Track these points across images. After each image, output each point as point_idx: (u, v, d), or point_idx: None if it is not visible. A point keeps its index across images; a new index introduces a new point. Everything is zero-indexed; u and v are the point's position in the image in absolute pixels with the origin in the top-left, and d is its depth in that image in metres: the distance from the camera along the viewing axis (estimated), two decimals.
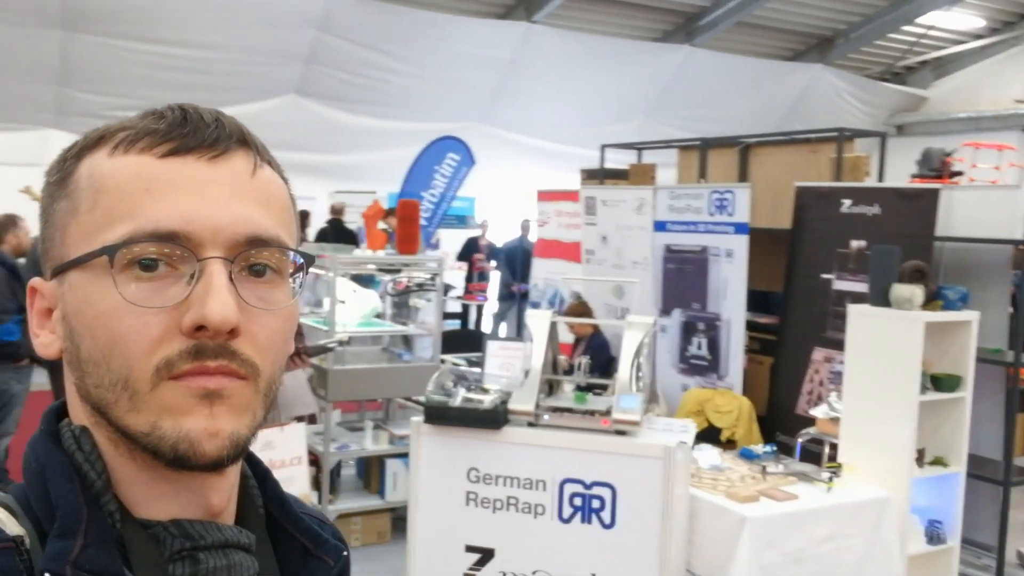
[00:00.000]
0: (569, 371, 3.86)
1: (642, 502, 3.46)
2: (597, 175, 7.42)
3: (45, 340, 0.71)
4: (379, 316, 5.25)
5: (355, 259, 4.97)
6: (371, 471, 5.32)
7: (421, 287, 5.14)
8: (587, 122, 13.05)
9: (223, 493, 0.72)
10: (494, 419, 3.55)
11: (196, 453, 0.65)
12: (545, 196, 7.79)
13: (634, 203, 6.41)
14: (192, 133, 0.69)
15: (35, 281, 0.73)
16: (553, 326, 3.81)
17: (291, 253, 0.71)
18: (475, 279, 11.63)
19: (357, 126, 12.55)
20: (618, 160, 8.29)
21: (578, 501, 3.53)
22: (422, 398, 3.83)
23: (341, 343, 4.10)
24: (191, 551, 0.68)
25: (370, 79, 12.16)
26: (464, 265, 12.09)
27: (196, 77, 11.48)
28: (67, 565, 0.63)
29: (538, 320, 3.80)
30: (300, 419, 4.24)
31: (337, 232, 9.40)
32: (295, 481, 3.92)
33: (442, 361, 5.43)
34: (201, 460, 0.65)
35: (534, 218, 8.45)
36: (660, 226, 6.23)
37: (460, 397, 3.64)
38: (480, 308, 11.77)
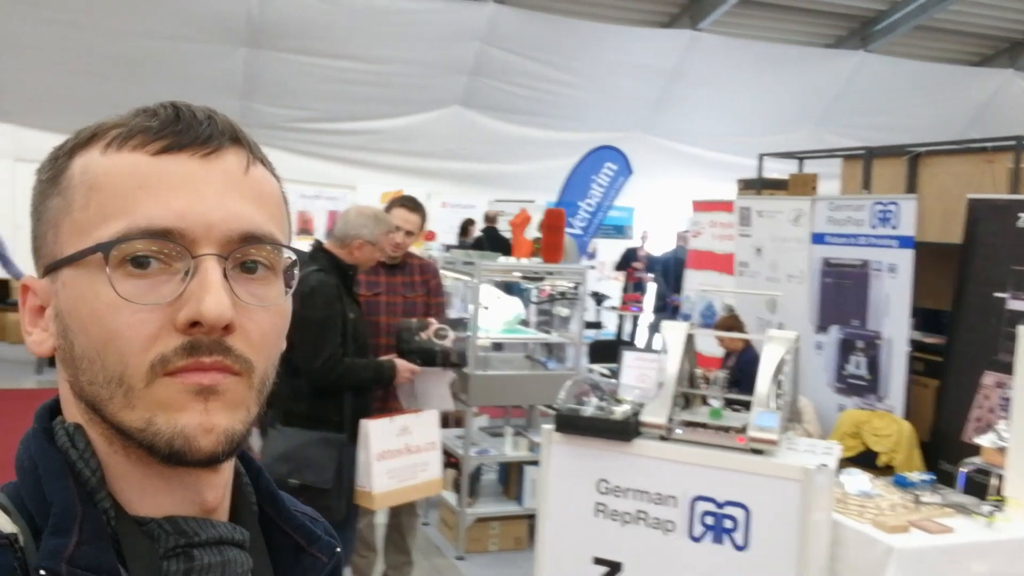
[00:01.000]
0: (707, 385, 3.75)
1: (778, 525, 3.31)
2: (754, 185, 7.19)
3: (38, 338, 0.72)
4: (523, 323, 5.29)
5: (498, 266, 5.03)
6: (510, 477, 5.35)
7: (564, 296, 5.14)
8: (752, 131, 12.70)
9: (217, 490, 0.73)
10: (625, 431, 3.49)
11: (191, 449, 0.65)
12: (700, 206, 7.63)
13: (791, 214, 6.17)
14: (185, 130, 0.69)
15: (27, 278, 0.73)
16: (690, 338, 3.71)
17: (284, 250, 0.72)
18: (631, 290, 11.52)
19: (518, 136, 12.73)
20: (782, 170, 8.02)
21: (710, 520, 3.41)
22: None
23: (445, 346, 4.12)
24: (185, 548, 0.69)
25: (532, 90, 12.31)
26: (621, 275, 12.01)
27: (367, 90, 11.98)
28: (62, 562, 0.63)
29: (674, 331, 3.71)
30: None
31: (492, 240, 9.55)
32: (429, 466, 3.99)
33: (589, 371, 5.40)
34: (196, 456, 0.66)
35: (688, 229, 8.28)
36: (818, 238, 5.96)
37: (592, 407, 3.60)
38: (636, 319, 11.65)
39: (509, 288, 5.68)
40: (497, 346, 6.14)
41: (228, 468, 0.74)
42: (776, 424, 3.36)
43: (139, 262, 0.65)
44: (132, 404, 0.65)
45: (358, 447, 3.79)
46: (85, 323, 0.66)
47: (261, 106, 12.07)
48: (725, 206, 7.14)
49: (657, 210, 13.99)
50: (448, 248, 9.76)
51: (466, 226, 11.12)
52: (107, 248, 0.65)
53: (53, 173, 0.71)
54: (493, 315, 5.01)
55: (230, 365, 0.67)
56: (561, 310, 5.31)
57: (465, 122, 12.64)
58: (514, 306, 5.16)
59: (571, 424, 3.58)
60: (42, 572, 0.62)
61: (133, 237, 0.65)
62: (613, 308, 11.57)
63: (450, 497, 5.10)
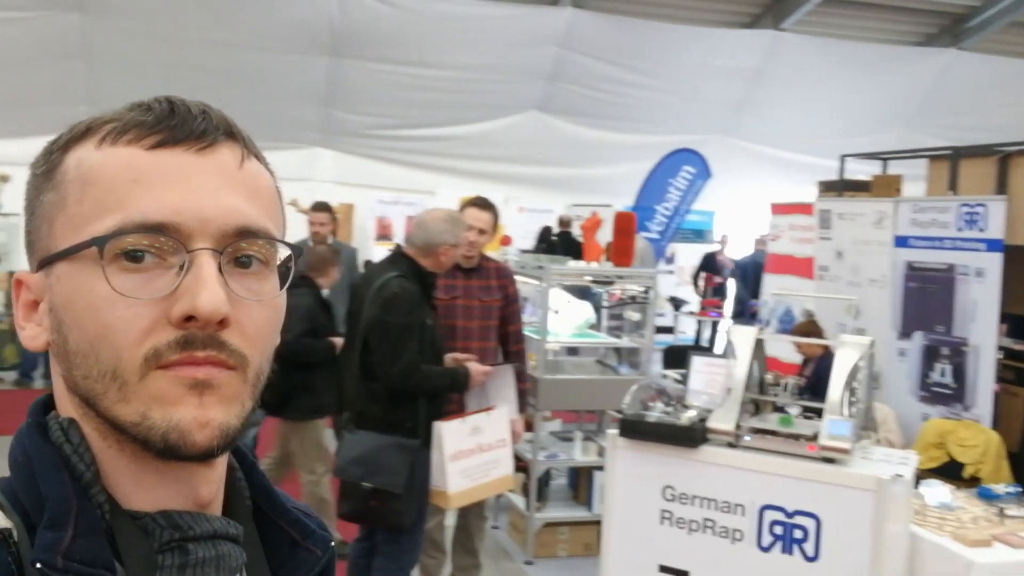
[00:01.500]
0: (778, 391, 3.66)
1: (850, 537, 3.20)
2: (835, 187, 6.99)
3: (31, 333, 0.72)
4: (593, 328, 5.25)
5: (568, 270, 5.00)
6: (580, 482, 5.31)
7: (634, 300, 5.09)
8: (836, 132, 12.37)
9: (212, 484, 0.73)
10: (691, 437, 3.43)
11: (186, 443, 0.65)
12: (778, 209, 7.46)
13: (873, 217, 5.98)
14: (180, 125, 0.69)
15: (21, 273, 0.73)
16: (759, 343, 3.63)
17: (279, 245, 0.72)
18: (709, 295, 11.34)
19: (596, 140, 12.67)
20: (867, 172, 7.79)
21: (779, 530, 3.32)
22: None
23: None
24: (180, 542, 0.69)
25: (610, 94, 12.24)
26: (701, 280, 11.84)
27: (445, 96, 12.08)
28: (58, 556, 0.63)
29: (742, 336, 3.63)
30: None
31: (565, 244, 9.51)
32: (500, 463, 4.03)
33: (663, 376, 5.32)
34: (191, 450, 0.66)
35: (767, 232, 8.11)
36: (901, 242, 5.77)
37: (658, 412, 3.55)
38: (715, 325, 11.46)
39: (581, 292, 5.64)
40: (572, 351, 6.11)
41: (222, 463, 0.74)
42: (849, 432, 3.26)
43: (134, 256, 0.65)
44: (127, 398, 0.65)
45: (432, 449, 3.82)
46: (79, 317, 0.66)
47: (342, 114, 12.29)
48: (804, 209, 6.97)
49: (738, 214, 13.76)
50: (523, 252, 9.77)
51: (545, 232, 11.11)
52: (102, 242, 0.65)
53: (47, 168, 0.71)
54: (563, 319, 4.99)
55: (224, 359, 0.66)
56: (632, 314, 5.25)
57: (543, 126, 12.64)
58: (584, 310, 5.12)
59: (636, 429, 3.53)
60: (38, 566, 0.63)
61: (128, 231, 0.65)
62: (691, 313, 11.40)
63: (519, 501, 5.09)
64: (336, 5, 10.79)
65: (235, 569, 0.72)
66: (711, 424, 3.45)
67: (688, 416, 3.49)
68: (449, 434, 3.86)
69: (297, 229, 6.40)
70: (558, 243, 9.72)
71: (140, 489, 0.69)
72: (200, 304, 0.64)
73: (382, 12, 10.97)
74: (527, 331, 5.27)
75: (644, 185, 10.77)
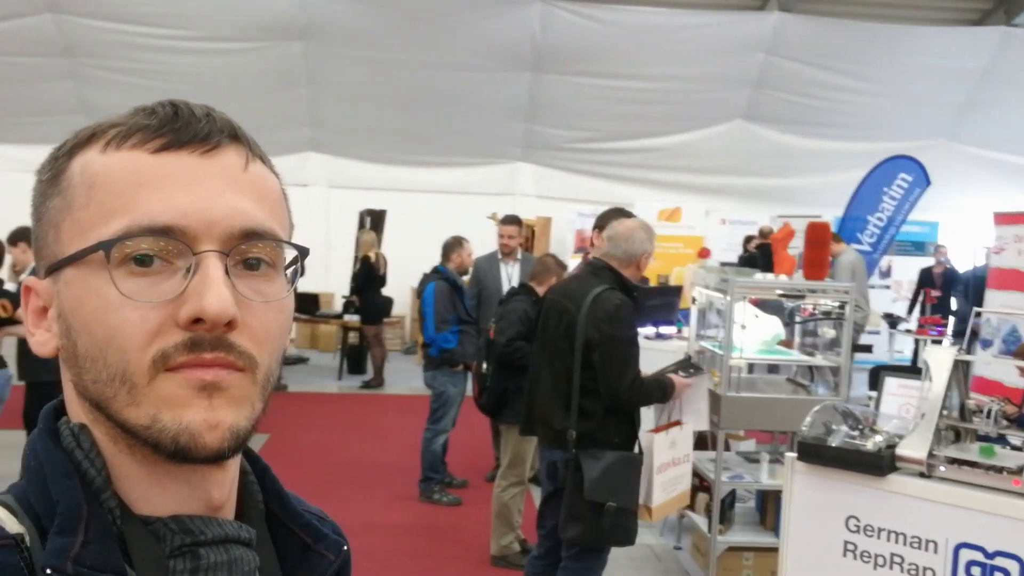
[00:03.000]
0: (981, 418, 3.32)
1: None
2: None
3: (41, 338, 0.72)
4: (784, 344, 4.99)
5: (754, 283, 4.78)
6: (767, 506, 5.06)
7: (828, 315, 4.79)
8: None
9: (223, 487, 0.72)
10: (877, 464, 3.17)
11: (197, 445, 0.65)
12: (1003, 219, 6.82)
13: None
14: (184, 128, 0.69)
15: (29, 280, 0.73)
16: (960, 364, 3.31)
17: (285, 246, 0.71)
18: (930, 312, 10.52)
19: (805, 149, 12.15)
20: None
21: (976, 571, 3.01)
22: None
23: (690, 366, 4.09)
24: (191, 546, 0.69)
25: (820, 99, 11.71)
26: (920, 296, 11.01)
27: (647, 107, 12.00)
28: (68, 561, 0.63)
29: (939, 356, 3.32)
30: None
31: (765, 256, 9.12)
32: (684, 478, 3.95)
33: (868, 398, 4.98)
34: (202, 452, 0.65)
35: (991, 244, 7.42)
36: None
37: (841, 436, 3.32)
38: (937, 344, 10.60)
39: (774, 307, 5.39)
40: (772, 368, 5.85)
41: (234, 466, 0.74)
42: None
43: (141, 260, 0.65)
44: (137, 401, 0.66)
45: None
46: (88, 322, 0.67)
47: (543, 128, 12.48)
48: None
49: (963, 224, 12.71)
50: (723, 265, 9.49)
51: (747, 243, 10.75)
52: (108, 246, 0.65)
53: (53, 173, 0.71)
54: (750, 334, 4.77)
55: (233, 361, 0.66)
56: (828, 331, 4.95)
57: (748, 136, 12.26)
58: (773, 325, 4.88)
59: (816, 453, 3.32)
60: (48, 571, 0.63)
61: (134, 235, 0.65)
62: (908, 332, 10.62)
63: (701, 522, 4.92)
64: (538, 22, 10.98)
65: (248, 573, 0.72)
66: (901, 451, 3.18)
67: (875, 441, 3.24)
68: (659, 446, 3.83)
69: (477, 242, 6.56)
70: (758, 255, 9.37)
71: (151, 493, 0.69)
72: (207, 306, 0.64)
73: (583, 26, 11.05)
74: (710, 345, 5.10)
75: (855, 194, 10.17)
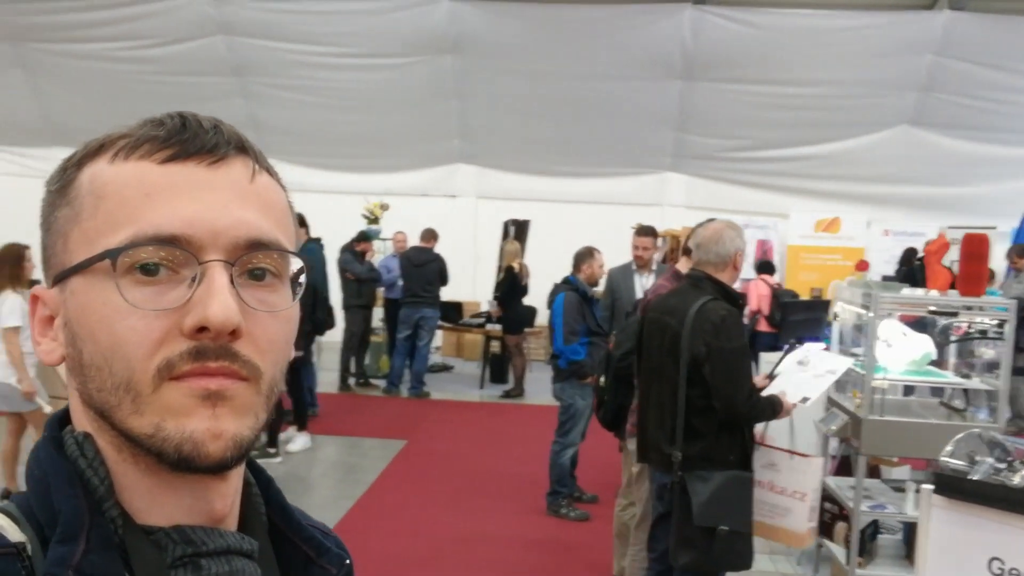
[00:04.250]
0: None
1: None
2: None
3: (47, 347, 0.73)
4: (934, 364, 4.61)
5: (900, 299, 4.44)
6: (914, 538, 4.67)
7: (984, 334, 4.38)
8: None
9: (226, 498, 0.73)
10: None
11: (200, 454, 0.66)
12: None
13: None
14: (191, 139, 0.70)
15: (37, 289, 0.75)
16: None
17: (291, 257, 0.72)
18: None
19: (977, 155, 11.35)
20: None
21: None
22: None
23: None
24: (193, 557, 0.69)
25: (996, 102, 10.94)
26: None
27: (803, 114, 11.55)
28: (69, 570, 0.64)
29: None
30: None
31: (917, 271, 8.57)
32: (791, 513, 3.66)
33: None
34: (205, 461, 0.66)
35: None
36: None
37: (985, 468, 3.01)
38: None
39: (925, 326, 5.00)
40: (936, 391, 5.43)
41: (237, 476, 0.74)
42: None
43: (146, 269, 0.66)
44: (140, 410, 0.66)
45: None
46: (93, 330, 0.68)
47: (694, 137, 12.20)
48: None
49: None
50: (884, 279, 8.94)
51: (908, 256, 10.10)
52: (115, 255, 0.66)
53: (62, 184, 0.73)
54: (896, 354, 4.44)
55: (237, 370, 0.67)
56: (985, 351, 4.53)
57: (914, 142, 11.56)
58: (923, 344, 4.51)
59: (955, 487, 3.02)
60: None
61: (140, 244, 0.66)
62: None
63: (840, 552, 4.61)
64: (688, 29, 10.76)
65: None
66: None
67: (1023, 476, 2.92)
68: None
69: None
70: (918, 269, 8.79)
71: (154, 503, 0.70)
72: (211, 314, 0.64)
73: (736, 32, 10.74)
74: (853, 365, 4.78)
75: None
